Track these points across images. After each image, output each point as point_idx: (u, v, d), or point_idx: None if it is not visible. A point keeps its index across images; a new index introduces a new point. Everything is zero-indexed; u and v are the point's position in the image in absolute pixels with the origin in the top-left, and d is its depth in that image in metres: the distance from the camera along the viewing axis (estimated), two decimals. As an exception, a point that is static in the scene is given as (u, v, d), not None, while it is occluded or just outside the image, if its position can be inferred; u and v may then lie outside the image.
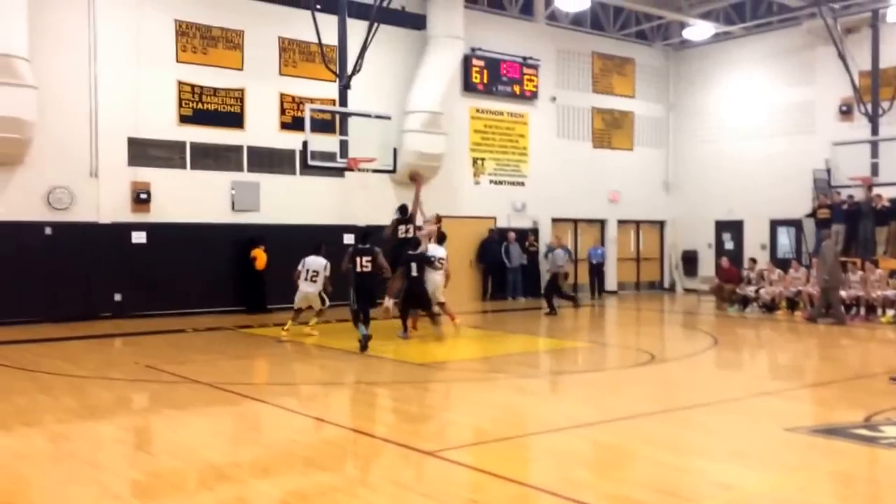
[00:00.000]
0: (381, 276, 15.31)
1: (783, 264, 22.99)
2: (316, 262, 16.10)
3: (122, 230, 19.68)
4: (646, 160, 29.76)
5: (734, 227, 28.58)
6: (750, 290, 22.15)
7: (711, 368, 13.65)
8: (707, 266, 28.75)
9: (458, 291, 22.57)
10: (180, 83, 20.54)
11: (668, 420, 9.06)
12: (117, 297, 19.56)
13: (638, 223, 29.79)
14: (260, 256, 20.60)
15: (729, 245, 28.63)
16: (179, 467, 7.20)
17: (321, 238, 17.58)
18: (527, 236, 26.22)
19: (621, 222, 29.26)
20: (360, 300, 14.77)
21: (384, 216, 22.98)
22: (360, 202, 22.68)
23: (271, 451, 7.88)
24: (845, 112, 25.50)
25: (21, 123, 17.76)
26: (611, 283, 28.56)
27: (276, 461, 7.46)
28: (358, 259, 14.83)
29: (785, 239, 27.39)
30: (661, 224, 30.39)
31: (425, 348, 14.87)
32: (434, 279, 16.35)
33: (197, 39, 20.79)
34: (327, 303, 16.28)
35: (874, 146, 22.89)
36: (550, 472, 7.08)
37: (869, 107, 23.55)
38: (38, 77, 18.03)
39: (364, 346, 14.00)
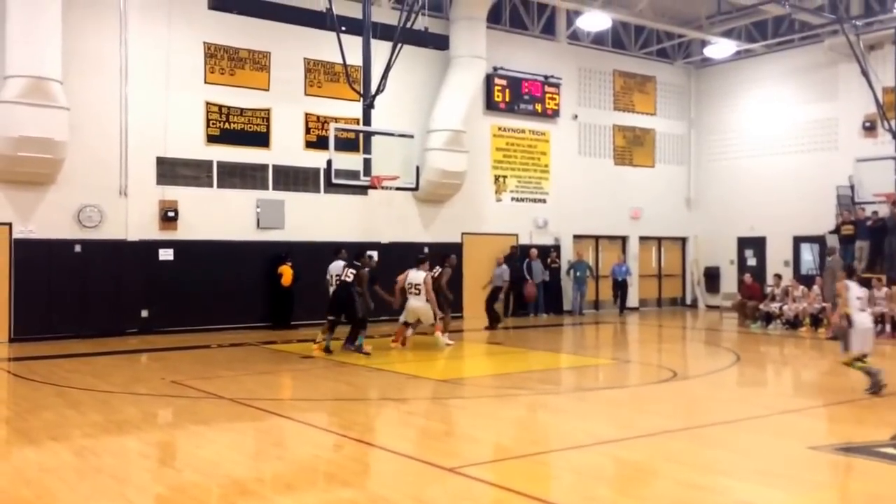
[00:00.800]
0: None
1: (807, 281, 22.80)
2: (417, 276, 16.62)
3: (149, 247, 19.82)
4: (667, 177, 29.65)
5: (757, 244, 28.35)
6: (773, 307, 22.00)
7: (734, 386, 13.50)
8: (729, 283, 28.58)
9: (480, 307, 22.50)
10: (208, 104, 20.71)
11: (691, 438, 8.95)
12: (144, 313, 19.69)
13: (660, 240, 29.65)
14: (286, 273, 20.65)
15: (751, 261, 28.42)
16: (203, 482, 7.18)
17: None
18: (549, 253, 26.16)
19: (643, 239, 29.12)
20: None
21: (406, 233, 23.31)
22: (383, 219, 22.79)
23: (294, 467, 7.84)
24: (869, 128, 25.30)
25: (53, 144, 17.96)
26: (633, 299, 28.39)
27: (298, 477, 7.43)
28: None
29: (808, 255, 27.12)
30: (683, 241, 30.22)
31: (447, 365, 14.87)
32: (412, 303, 16.69)
33: (225, 61, 20.97)
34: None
35: (898, 162, 22.68)
36: (571, 490, 7.00)
37: (893, 123, 23.31)
38: (71, 98, 18.25)
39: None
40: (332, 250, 17.43)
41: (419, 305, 16.49)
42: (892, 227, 22.17)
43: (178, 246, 20.11)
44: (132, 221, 19.68)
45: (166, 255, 19.98)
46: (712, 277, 29.60)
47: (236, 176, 21.08)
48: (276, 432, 9.55)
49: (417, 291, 16.46)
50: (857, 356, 11.65)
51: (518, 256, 25.41)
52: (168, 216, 19.93)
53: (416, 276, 16.60)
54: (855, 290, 11.79)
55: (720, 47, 27.18)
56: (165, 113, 20.07)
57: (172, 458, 8.58)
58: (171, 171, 20.18)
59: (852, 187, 23.64)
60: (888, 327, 19.19)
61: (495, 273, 22.55)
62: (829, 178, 25.08)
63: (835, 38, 25.08)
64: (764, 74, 28.28)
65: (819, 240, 25.39)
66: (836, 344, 14.18)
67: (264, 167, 21.46)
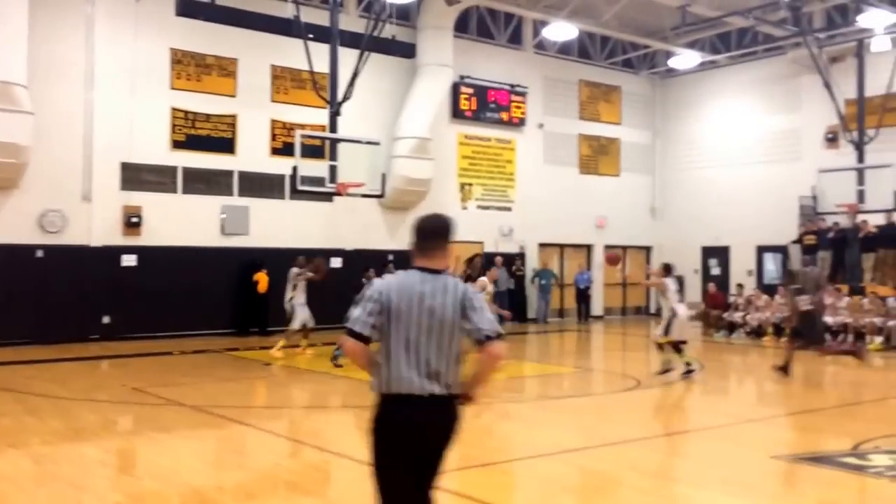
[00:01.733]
0: None
1: (770, 290, 22.96)
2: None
3: (112, 253, 19.58)
4: (632, 186, 29.78)
5: (721, 253, 28.53)
6: (737, 316, 22.12)
7: (698, 394, 13.52)
8: (694, 292, 28.57)
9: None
10: (174, 109, 20.55)
11: (655, 446, 8.96)
12: (106, 319, 19.43)
13: (625, 248, 29.65)
14: (262, 280, 20.54)
15: (715, 271, 28.59)
16: (162, 490, 7.07)
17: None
18: (514, 261, 26.20)
19: (608, 247, 29.12)
20: None
21: (371, 240, 23.17)
22: (348, 226, 22.72)
23: (255, 476, 7.75)
24: (831, 140, 25.55)
25: (17, 148, 17.72)
26: (597, 308, 28.49)
27: (259, 485, 7.34)
28: None
29: (771, 265, 27.35)
30: (648, 249, 30.37)
31: None
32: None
33: (192, 67, 20.82)
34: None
35: (860, 173, 22.90)
36: (535, 499, 6.96)
37: (855, 134, 23.61)
38: (36, 103, 18.02)
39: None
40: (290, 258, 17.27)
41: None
42: (853, 237, 22.41)
43: (142, 252, 19.89)
44: (95, 227, 19.45)
45: (129, 260, 19.76)
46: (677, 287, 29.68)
47: (201, 182, 20.92)
48: (237, 440, 9.44)
49: None
50: (675, 341, 14.00)
51: (482, 264, 25.38)
52: (132, 222, 19.72)
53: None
54: (672, 286, 14.24)
55: (685, 58, 27.39)
56: (131, 118, 19.82)
57: (132, 465, 8.45)
58: (135, 176, 19.96)
59: (815, 198, 23.85)
60: (850, 337, 19.37)
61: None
62: (792, 189, 25.28)
63: (798, 51, 25.34)
64: (728, 86, 28.52)
65: (782, 249, 25.62)
66: (799, 353, 14.35)
67: (229, 173, 21.33)
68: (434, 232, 4.57)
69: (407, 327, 4.26)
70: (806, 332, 14.25)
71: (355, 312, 4.33)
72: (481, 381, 4.44)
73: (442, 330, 4.28)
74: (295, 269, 16.52)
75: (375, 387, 4.33)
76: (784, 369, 14.04)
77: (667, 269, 14.89)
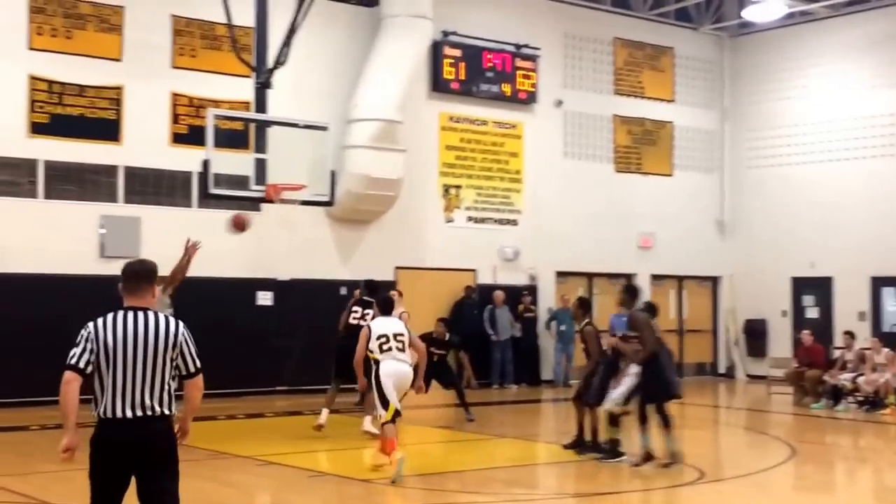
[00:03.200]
0: None
1: (892, 341, 23.15)
2: (392, 324, 14.92)
3: (-58, 284, 19.88)
4: (691, 190, 30.22)
5: (820, 287, 28.75)
6: (844, 379, 22.06)
7: (788, 492, 13.81)
8: (781, 343, 28.87)
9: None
10: (33, 78, 20.92)
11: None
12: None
13: (680, 279, 30.18)
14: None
15: (812, 313, 28.88)
16: None
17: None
18: (521, 297, 26.69)
19: (656, 278, 29.68)
20: None
21: (316, 267, 23.25)
22: (283, 246, 22.98)
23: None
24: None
25: None
26: (642, 365, 28.85)
27: None
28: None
29: (893, 305, 27.77)
30: (715, 281, 30.85)
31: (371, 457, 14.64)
32: (398, 370, 15.74)
33: (58, 18, 21.18)
34: None
35: None
36: None
37: None
38: None
39: None
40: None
41: (407, 371, 14.50)
42: None
43: None
44: (-83, 246, 19.87)
45: None
46: (756, 335, 30.03)
47: (72, 182, 21.33)
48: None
49: (401, 346, 14.53)
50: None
51: (476, 302, 25.94)
52: None
53: (391, 323, 14.76)
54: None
55: (765, 7, 27.57)
56: None
57: None
58: (-24, 174, 20.43)
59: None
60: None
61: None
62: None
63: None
64: (828, 47, 28.81)
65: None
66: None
67: (112, 170, 21.74)
68: (139, 275, 7.04)
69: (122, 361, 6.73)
70: None
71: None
72: (191, 413, 7.06)
73: (154, 362, 6.71)
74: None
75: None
76: None
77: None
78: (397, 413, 13.77)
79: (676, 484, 13.58)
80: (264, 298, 22.02)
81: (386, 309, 14.97)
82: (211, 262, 21.10)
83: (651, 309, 15.53)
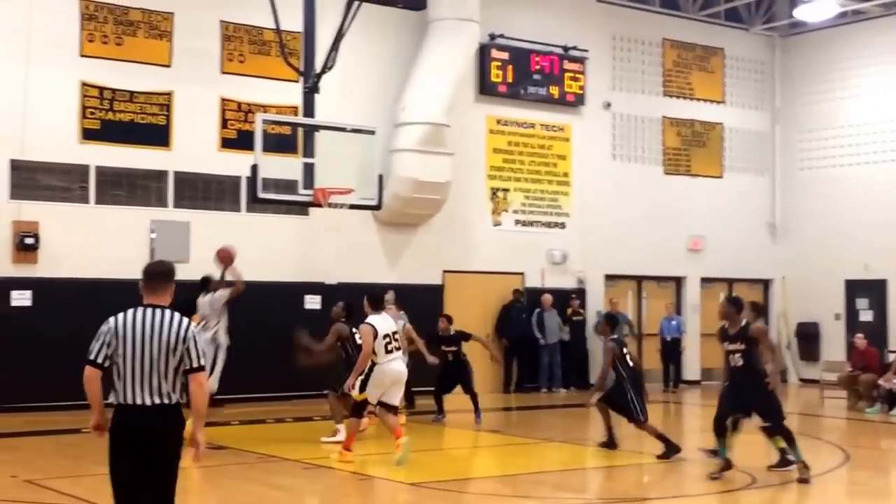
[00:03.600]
0: None
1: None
2: (391, 324, 15.56)
3: (-4, 288, 20.17)
4: (741, 192, 30.22)
5: (874, 290, 28.72)
6: None
7: (841, 498, 13.88)
8: (834, 346, 28.79)
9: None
10: (85, 85, 21.19)
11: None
12: (-13, 382, 19.86)
13: (731, 282, 30.04)
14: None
15: (866, 316, 28.84)
16: None
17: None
18: (569, 301, 26.83)
19: (706, 281, 29.72)
20: None
21: (363, 270, 23.20)
22: (331, 251, 23.14)
23: None
24: None
25: None
26: (692, 369, 28.91)
27: None
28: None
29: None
30: (766, 284, 30.85)
31: (419, 461, 14.96)
32: (397, 369, 15.60)
33: (109, 25, 21.45)
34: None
35: None
36: None
37: None
38: None
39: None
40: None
41: (405, 371, 15.25)
42: None
43: (38, 286, 20.45)
44: (-28, 251, 20.12)
45: (21, 299, 20.33)
46: (809, 339, 30.00)
47: (122, 187, 21.59)
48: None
49: (399, 345, 15.24)
50: None
51: (524, 305, 26.14)
52: (25, 244, 20.27)
53: (388, 321, 15.27)
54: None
55: (817, 7, 27.46)
56: (24, 97, 20.46)
57: None
58: (30, 179, 20.65)
59: None
60: None
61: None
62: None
63: None
64: (881, 47, 28.74)
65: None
66: None
67: (162, 175, 22.00)
68: (159, 275, 7.68)
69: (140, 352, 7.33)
70: None
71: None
72: (198, 420, 7.52)
73: (168, 353, 7.33)
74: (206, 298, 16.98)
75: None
76: None
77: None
78: (365, 404, 14.64)
79: (727, 489, 13.57)
80: (312, 302, 22.20)
81: (378, 305, 15.26)
82: (259, 266, 21.38)
83: (756, 309, 15.21)
